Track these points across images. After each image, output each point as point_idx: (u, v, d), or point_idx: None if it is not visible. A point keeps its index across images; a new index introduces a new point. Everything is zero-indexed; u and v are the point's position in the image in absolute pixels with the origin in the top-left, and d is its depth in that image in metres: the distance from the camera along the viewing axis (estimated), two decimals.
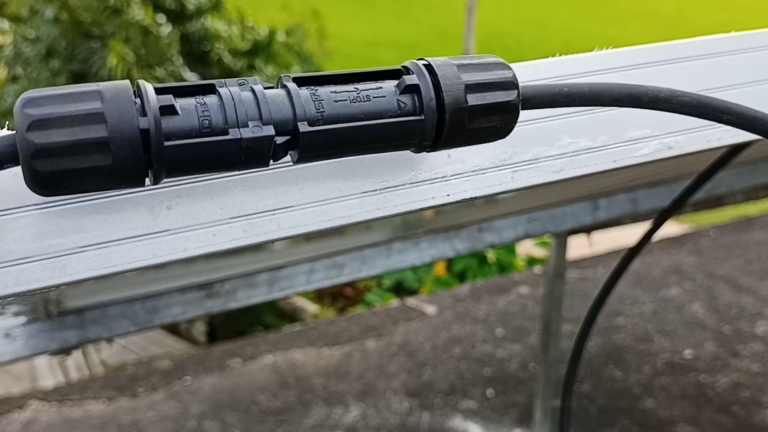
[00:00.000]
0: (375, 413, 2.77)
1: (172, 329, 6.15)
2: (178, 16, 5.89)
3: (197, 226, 0.38)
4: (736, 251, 4.04)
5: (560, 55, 0.47)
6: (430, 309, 3.54)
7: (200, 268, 0.95)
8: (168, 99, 0.34)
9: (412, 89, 0.39)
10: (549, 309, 2.28)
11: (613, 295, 3.68)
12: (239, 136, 0.35)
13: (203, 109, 0.35)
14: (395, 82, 0.39)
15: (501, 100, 0.39)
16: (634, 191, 1.16)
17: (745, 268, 3.83)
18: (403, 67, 0.40)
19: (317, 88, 0.37)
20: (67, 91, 0.33)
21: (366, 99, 0.38)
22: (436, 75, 0.39)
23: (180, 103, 0.35)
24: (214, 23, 6.07)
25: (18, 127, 0.32)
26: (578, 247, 3.41)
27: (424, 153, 0.41)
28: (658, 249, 4.07)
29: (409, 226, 1.11)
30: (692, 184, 0.74)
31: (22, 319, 0.78)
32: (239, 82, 0.37)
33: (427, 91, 0.38)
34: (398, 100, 0.38)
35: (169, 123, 0.34)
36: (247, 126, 0.35)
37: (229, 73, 5.99)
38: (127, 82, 0.35)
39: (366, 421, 2.73)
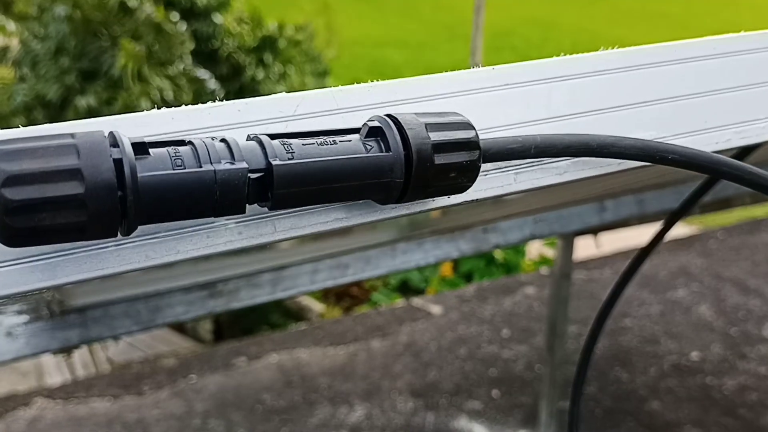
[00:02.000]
0: (380, 413, 2.76)
1: (179, 327, 6.17)
2: (186, 14, 5.91)
3: (191, 227, 0.37)
4: (744, 253, 4.02)
5: (570, 54, 0.46)
6: (436, 309, 3.54)
7: (203, 268, 0.95)
8: (141, 146, 0.34)
9: (376, 131, 0.39)
10: (555, 310, 2.27)
11: (620, 296, 3.65)
12: (212, 168, 0.35)
13: (176, 155, 0.35)
14: (364, 131, 0.40)
15: (465, 159, 0.40)
16: (641, 192, 1.15)
17: (753, 270, 3.81)
18: (367, 122, 0.40)
19: (289, 140, 0.38)
20: (41, 145, 0.32)
21: (333, 143, 0.38)
22: (395, 117, 0.39)
23: (153, 152, 0.35)
24: (224, 20, 6.08)
25: None
26: (585, 247, 3.40)
27: None
28: (665, 250, 4.05)
29: (414, 226, 1.10)
30: (703, 185, 0.74)
31: (24, 317, 0.78)
32: (212, 137, 0.37)
33: (390, 130, 0.39)
34: (364, 142, 0.39)
35: (142, 161, 0.34)
36: (220, 162, 0.35)
37: (238, 70, 6.00)
38: (101, 132, 0.34)
39: (371, 421, 2.72)
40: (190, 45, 5.55)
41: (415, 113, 0.40)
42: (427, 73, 0.44)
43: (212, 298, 0.91)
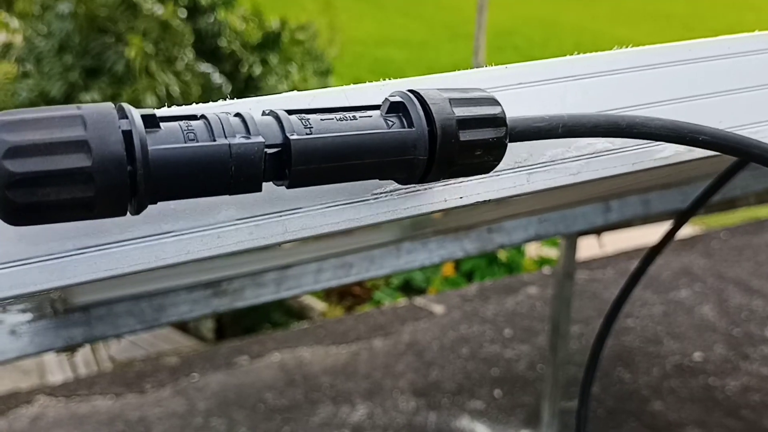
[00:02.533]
0: (382, 412, 2.76)
1: (181, 326, 6.16)
2: (191, 11, 5.91)
3: (201, 228, 0.37)
4: (747, 253, 4.02)
5: (573, 53, 0.46)
6: (438, 308, 3.53)
7: (208, 266, 0.95)
8: (151, 117, 0.33)
9: (398, 107, 0.38)
10: (558, 310, 2.27)
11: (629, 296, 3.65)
12: (227, 142, 0.33)
13: (187, 128, 0.34)
14: (378, 110, 0.38)
15: (491, 137, 0.38)
16: (647, 193, 1.15)
17: (756, 271, 3.80)
18: (387, 97, 0.39)
19: (306, 116, 0.36)
20: (45, 115, 0.31)
21: (352, 118, 0.37)
22: (417, 92, 0.38)
23: (164, 126, 0.33)
24: (227, 18, 6.09)
25: None
26: (588, 247, 3.39)
27: None
28: (668, 251, 4.03)
29: (418, 225, 1.10)
30: (713, 184, 0.73)
31: (28, 316, 0.78)
32: (226, 111, 0.36)
33: (413, 105, 0.37)
34: (385, 118, 0.37)
35: (153, 135, 0.32)
36: (234, 136, 0.34)
37: (240, 68, 5.99)
38: (110, 104, 0.32)
39: (373, 421, 2.72)
40: (191, 38, 5.55)
41: (438, 88, 0.38)
42: (429, 73, 0.43)
43: (216, 297, 0.91)
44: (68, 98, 5.35)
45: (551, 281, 3.09)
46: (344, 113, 0.37)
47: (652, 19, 16.02)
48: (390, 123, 0.37)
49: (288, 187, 0.37)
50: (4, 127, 0.29)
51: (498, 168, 0.39)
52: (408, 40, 14.79)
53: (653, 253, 0.92)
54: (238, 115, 0.35)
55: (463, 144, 0.37)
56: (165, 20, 5.30)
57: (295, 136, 0.35)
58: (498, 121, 0.38)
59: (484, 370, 3.04)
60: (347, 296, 6.02)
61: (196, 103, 0.39)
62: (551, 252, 5.27)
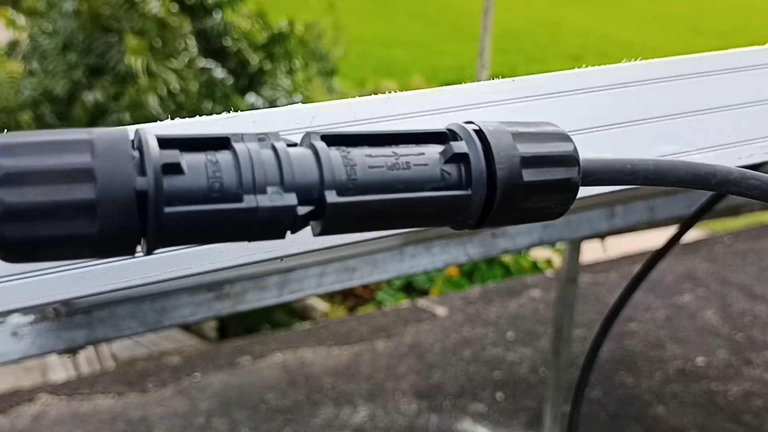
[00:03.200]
0: (383, 414, 2.76)
1: (184, 325, 6.17)
2: (196, 11, 5.91)
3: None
4: (751, 258, 4.01)
5: (578, 55, 0.45)
6: (441, 310, 3.53)
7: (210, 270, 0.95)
8: (173, 155, 0.29)
9: (460, 158, 0.33)
10: (561, 313, 2.27)
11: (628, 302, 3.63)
12: (255, 205, 0.30)
13: (214, 169, 0.29)
14: (440, 148, 0.33)
15: (560, 177, 0.34)
16: (652, 199, 1.14)
17: (760, 276, 3.79)
18: (448, 130, 0.34)
19: (350, 150, 0.32)
20: (50, 138, 0.27)
21: (405, 167, 0.32)
22: (488, 143, 0.33)
23: (187, 160, 0.29)
24: (233, 17, 6.09)
25: None
26: (592, 251, 3.39)
27: None
28: (671, 255, 4.03)
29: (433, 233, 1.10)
30: (716, 194, 0.73)
31: (30, 317, 0.78)
32: (259, 136, 0.31)
33: (478, 161, 0.33)
34: (442, 169, 0.33)
35: (172, 183, 0.28)
36: (265, 192, 0.30)
37: (246, 66, 6.00)
38: (125, 130, 0.29)
39: (374, 422, 2.72)
40: (189, 32, 5.55)
41: (500, 121, 0.34)
42: (434, 74, 0.42)
43: (219, 300, 0.91)
44: (72, 97, 5.36)
45: (554, 284, 3.08)
46: (397, 152, 0.32)
47: (656, 21, 16.01)
48: (446, 175, 0.33)
49: (315, 235, 0.33)
50: (4, 150, 0.26)
51: None
52: (413, 40, 14.79)
53: (655, 258, 0.92)
54: (273, 148, 0.31)
55: (527, 185, 0.33)
56: (161, 18, 5.30)
57: (333, 197, 0.31)
58: (569, 159, 0.34)
59: (487, 372, 3.04)
60: (350, 296, 6.02)
61: (197, 99, 0.38)
62: (551, 255, 5.26)
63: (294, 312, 5.84)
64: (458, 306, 3.58)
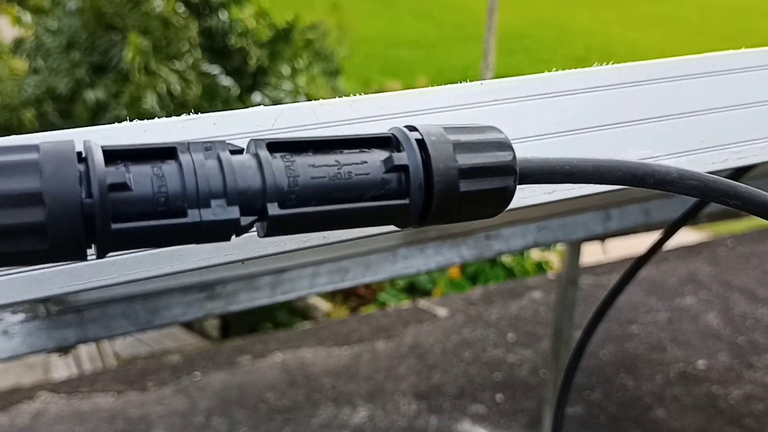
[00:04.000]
0: (383, 415, 2.76)
1: (186, 324, 6.18)
2: (201, 9, 5.92)
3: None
4: (754, 261, 4.00)
5: (583, 56, 0.45)
6: (442, 311, 3.53)
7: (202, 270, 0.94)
8: (119, 174, 0.30)
9: (400, 168, 0.34)
10: (561, 315, 2.26)
11: (627, 302, 3.64)
12: (199, 219, 0.31)
13: (160, 183, 0.30)
14: (382, 155, 0.34)
15: (496, 186, 0.35)
16: (647, 201, 1.14)
17: (762, 279, 3.78)
18: (392, 135, 0.35)
19: (294, 158, 0.33)
20: (2, 159, 0.28)
21: (347, 176, 0.33)
22: (429, 154, 0.34)
23: (134, 172, 0.30)
24: (238, 16, 6.10)
25: None
26: (592, 253, 3.38)
27: None
28: (674, 257, 4.03)
29: (416, 231, 1.09)
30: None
31: (21, 316, 0.77)
32: (206, 146, 0.32)
33: (417, 173, 0.34)
34: (383, 178, 0.34)
35: (117, 199, 0.29)
36: (209, 206, 0.31)
37: (250, 64, 6.00)
38: (71, 144, 0.30)
39: (374, 423, 2.72)
40: (194, 34, 5.56)
41: (445, 128, 0.34)
42: (439, 74, 0.42)
43: (210, 300, 0.91)
44: (75, 95, 5.38)
45: (555, 286, 3.08)
46: (339, 161, 0.33)
47: (662, 23, 15.99)
48: (386, 182, 0.34)
49: (260, 237, 0.34)
50: None
51: None
52: (418, 40, 14.80)
53: (639, 264, 0.91)
54: (217, 158, 0.32)
55: (464, 195, 0.34)
56: (165, 17, 5.31)
57: (275, 210, 0.32)
58: (506, 169, 0.35)
59: (487, 374, 3.03)
60: (352, 296, 6.02)
61: (198, 101, 0.38)
62: (554, 257, 5.26)
63: (296, 312, 5.85)
64: (459, 307, 3.58)
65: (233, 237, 0.33)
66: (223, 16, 5.99)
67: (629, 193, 1.05)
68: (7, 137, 0.31)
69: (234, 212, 0.31)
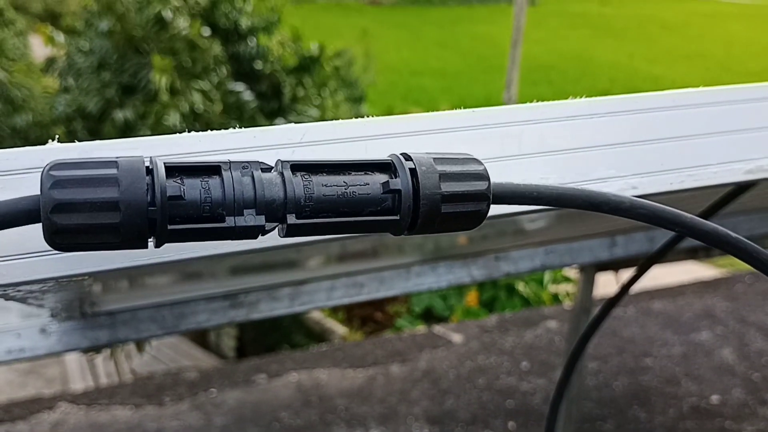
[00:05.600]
0: None
1: (202, 343, 6.22)
2: (229, 35, 6.04)
3: None
4: None
5: (606, 89, 0.51)
6: (457, 337, 3.55)
7: (228, 280, 1.00)
8: (176, 187, 0.39)
9: (395, 191, 0.43)
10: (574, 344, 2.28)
11: (643, 335, 3.63)
12: (233, 224, 0.40)
13: (206, 194, 0.39)
14: (381, 179, 0.43)
15: (471, 209, 0.43)
16: (652, 230, 1.18)
17: None
18: (391, 161, 0.44)
19: (311, 178, 0.42)
20: (89, 173, 0.37)
21: (352, 195, 0.42)
22: (418, 182, 0.43)
23: (187, 185, 0.39)
24: (266, 42, 6.21)
25: (42, 207, 0.37)
26: (610, 285, 3.40)
27: None
28: (690, 292, 4.03)
29: (439, 250, 1.14)
30: (679, 234, 0.76)
31: (60, 315, 0.83)
32: (243, 165, 0.41)
33: (407, 196, 0.42)
34: (380, 198, 0.43)
35: (174, 206, 0.38)
36: (242, 214, 0.40)
37: (277, 89, 6.10)
38: (141, 162, 0.39)
39: None
40: (220, 55, 5.67)
41: (435, 158, 0.44)
42: (461, 102, 0.49)
43: (234, 308, 0.96)
44: (104, 114, 5.49)
45: (569, 316, 3.10)
46: (347, 182, 0.42)
47: (688, 59, 16.00)
48: (383, 200, 0.43)
49: (281, 237, 0.43)
50: (54, 184, 0.37)
51: None
52: (443, 70, 14.91)
53: (612, 302, 0.95)
54: (252, 176, 0.41)
55: (444, 215, 0.43)
56: (191, 39, 5.43)
57: (293, 219, 0.41)
58: (481, 196, 0.44)
59: (500, 401, 3.05)
60: (369, 322, 6.05)
61: (222, 119, 0.45)
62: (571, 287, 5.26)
63: (312, 335, 5.88)
64: (474, 334, 3.60)
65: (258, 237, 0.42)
66: (252, 42, 6.10)
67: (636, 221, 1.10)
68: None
69: (261, 220, 0.40)
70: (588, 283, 2.20)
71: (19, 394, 3.76)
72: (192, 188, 0.39)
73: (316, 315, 5.98)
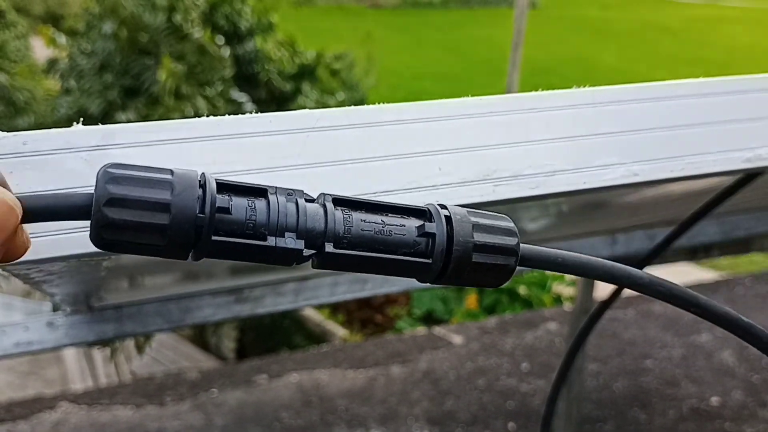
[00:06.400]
0: None
1: (202, 344, 6.23)
2: (230, 37, 6.06)
3: None
4: None
5: None
6: (457, 339, 3.56)
7: (233, 276, 1.01)
8: (225, 200, 0.40)
9: (429, 235, 0.44)
10: None
11: (643, 337, 3.63)
12: (274, 245, 0.41)
13: (251, 213, 0.40)
14: (418, 223, 0.44)
15: (500, 263, 0.44)
16: (652, 228, 1.19)
17: None
18: (428, 209, 0.45)
19: (351, 213, 0.43)
20: (145, 175, 0.38)
21: (388, 234, 0.43)
22: (453, 228, 0.44)
23: (234, 202, 0.40)
24: (264, 45, 6.22)
25: (96, 195, 0.38)
26: (607, 286, 3.40)
27: (416, 161, 0.47)
28: None
29: None
30: (673, 233, 0.78)
31: (65, 310, 0.84)
32: (288, 192, 0.42)
33: (441, 241, 0.43)
34: (415, 240, 0.44)
35: (220, 219, 0.39)
36: (283, 236, 0.41)
37: (276, 95, 6.12)
38: (195, 173, 0.40)
39: None
40: (231, 70, 5.69)
41: (469, 211, 0.45)
42: None
43: (238, 303, 0.97)
44: (106, 116, 5.50)
45: (569, 317, 3.11)
46: (384, 221, 0.43)
47: (689, 63, 16.02)
48: (417, 243, 0.44)
49: (312, 267, 0.44)
50: (110, 180, 0.38)
51: (469, 179, 0.46)
52: (444, 73, 14.94)
53: (604, 306, 0.96)
54: (296, 203, 0.42)
55: (474, 265, 0.44)
56: (202, 44, 5.45)
57: (330, 248, 0.42)
58: (510, 251, 0.44)
59: (500, 402, 3.06)
60: (369, 324, 6.06)
61: None
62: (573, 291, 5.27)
63: (313, 337, 5.89)
64: (474, 335, 3.61)
65: (294, 264, 0.43)
66: (251, 44, 6.12)
67: (636, 219, 1.11)
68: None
69: (300, 244, 0.41)
70: (588, 284, 2.21)
71: (19, 395, 3.77)
72: (239, 206, 0.40)
73: (317, 317, 5.99)
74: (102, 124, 0.44)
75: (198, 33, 5.48)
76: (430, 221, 0.44)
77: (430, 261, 0.43)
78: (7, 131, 0.42)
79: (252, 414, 2.91)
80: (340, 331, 5.92)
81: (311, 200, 0.43)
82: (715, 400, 3.09)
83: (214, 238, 0.39)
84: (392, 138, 0.48)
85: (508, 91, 8.64)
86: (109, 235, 0.38)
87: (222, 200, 0.40)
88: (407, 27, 20.20)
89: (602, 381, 3.21)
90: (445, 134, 0.48)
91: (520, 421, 2.95)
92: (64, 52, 6.36)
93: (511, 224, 0.45)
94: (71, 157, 0.42)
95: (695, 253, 1.86)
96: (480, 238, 0.44)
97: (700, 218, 0.71)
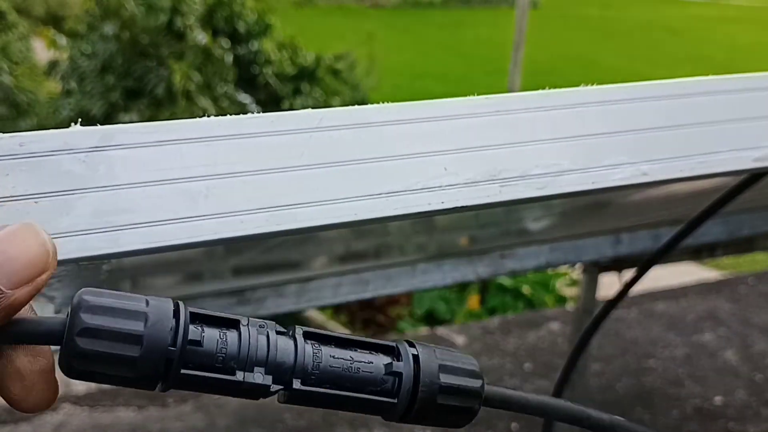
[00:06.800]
0: None
1: None
2: (229, 39, 6.06)
3: (228, 213, 0.44)
4: None
5: None
6: (459, 339, 3.56)
7: (235, 277, 1.00)
8: (197, 333, 0.40)
9: (396, 374, 0.44)
10: None
11: (646, 337, 3.63)
12: (242, 379, 0.40)
13: (222, 345, 0.40)
14: (386, 360, 0.45)
15: (464, 405, 0.45)
16: (657, 228, 1.18)
17: None
18: (396, 345, 0.46)
19: (321, 348, 0.43)
20: (120, 304, 0.38)
21: (356, 371, 0.43)
22: (419, 369, 0.44)
23: (206, 333, 0.40)
24: (264, 46, 6.22)
25: (69, 323, 0.37)
26: (611, 285, 3.40)
27: (422, 161, 0.47)
28: (693, 294, 4.03)
29: (443, 248, 1.14)
30: (681, 232, 0.77)
31: (67, 309, 0.83)
32: (260, 324, 0.42)
33: (408, 381, 0.44)
34: (382, 378, 0.44)
35: (191, 351, 0.39)
36: (252, 371, 0.41)
37: (276, 97, 6.13)
38: (169, 303, 0.40)
39: None
40: (232, 68, 5.70)
41: (436, 350, 0.45)
42: None
43: (240, 304, 0.96)
44: (108, 118, 5.50)
45: (572, 317, 3.10)
46: (353, 357, 0.44)
47: (690, 61, 16.01)
48: (384, 381, 0.44)
49: (280, 402, 0.44)
50: (86, 309, 0.38)
51: (475, 179, 0.46)
52: (446, 73, 14.94)
53: (609, 306, 0.95)
54: (267, 336, 0.42)
55: (439, 406, 0.44)
56: (207, 48, 5.45)
57: (298, 385, 0.42)
58: (474, 393, 0.45)
59: None
60: (371, 325, 6.05)
61: None
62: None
63: None
64: (477, 335, 3.61)
65: (260, 398, 0.44)
66: (253, 46, 6.12)
67: (640, 218, 1.10)
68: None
69: (268, 380, 0.41)
70: (591, 283, 2.21)
71: None
72: (210, 338, 0.40)
73: (319, 318, 5.99)
74: (104, 125, 0.43)
75: (201, 36, 5.48)
76: (398, 359, 0.45)
77: (395, 401, 0.44)
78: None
79: (254, 415, 2.91)
80: (342, 331, 5.91)
81: (282, 333, 0.43)
82: (718, 399, 3.09)
83: (182, 371, 0.39)
84: (396, 138, 0.47)
85: (510, 91, 8.64)
86: (79, 365, 0.38)
87: (194, 332, 0.40)
88: (408, 27, 20.21)
89: (605, 381, 3.20)
90: (450, 134, 0.48)
91: (523, 421, 2.94)
92: (65, 53, 6.36)
93: (476, 366, 0.46)
94: (69, 159, 0.42)
95: (699, 253, 1.86)
96: (446, 379, 0.44)
97: (708, 217, 0.71)
